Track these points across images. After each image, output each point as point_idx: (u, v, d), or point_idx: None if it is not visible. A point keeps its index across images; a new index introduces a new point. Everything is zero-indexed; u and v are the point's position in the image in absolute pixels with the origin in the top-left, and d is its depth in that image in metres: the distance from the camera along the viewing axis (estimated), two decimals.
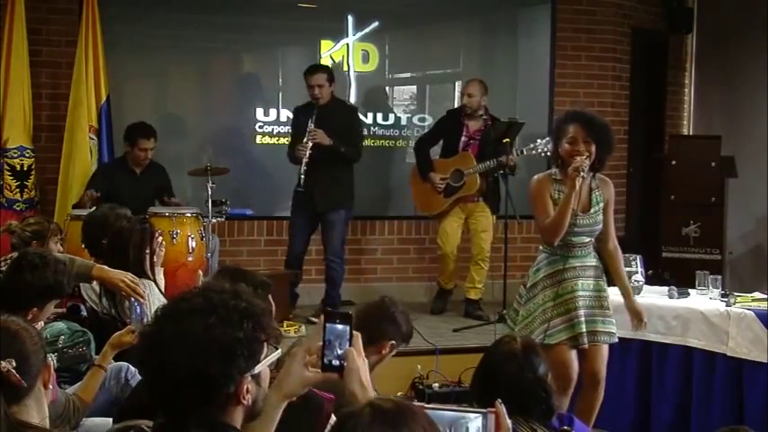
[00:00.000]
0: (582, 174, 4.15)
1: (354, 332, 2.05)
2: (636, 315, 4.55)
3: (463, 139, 6.90)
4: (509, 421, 2.16)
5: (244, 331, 1.83)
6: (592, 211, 4.34)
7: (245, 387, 1.86)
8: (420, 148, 7.12)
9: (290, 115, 6.99)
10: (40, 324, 3.63)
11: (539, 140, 6.26)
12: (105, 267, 4.02)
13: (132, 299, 3.78)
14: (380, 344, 3.46)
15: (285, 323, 6.09)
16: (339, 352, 2.03)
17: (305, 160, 6.36)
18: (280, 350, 1.93)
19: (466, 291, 6.94)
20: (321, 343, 2.04)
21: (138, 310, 3.62)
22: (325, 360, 2.03)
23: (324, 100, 6.52)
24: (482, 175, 6.78)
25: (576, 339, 4.28)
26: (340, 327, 2.04)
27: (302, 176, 6.37)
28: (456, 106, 7.32)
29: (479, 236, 6.88)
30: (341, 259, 6.78)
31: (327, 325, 2.04)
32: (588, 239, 4.37)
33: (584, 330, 4.27)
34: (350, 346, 2.04)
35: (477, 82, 6.93)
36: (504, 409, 2.17)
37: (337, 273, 6.77)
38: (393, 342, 3.48)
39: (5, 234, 4.85)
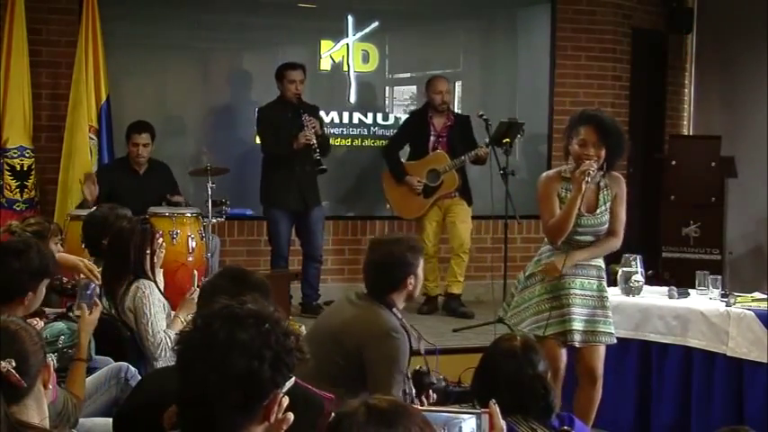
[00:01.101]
0: (587, 179, 4.13)
1: None
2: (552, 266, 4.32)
3: (432, 138, 6.91)
4: (503, 422, 2.17)
5: (291, 343, 1.91)
6: (598, 211, 4.31)
7: (275, 404, 1.89)
8: (390, 152, 7.11)
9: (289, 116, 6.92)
10: (40, 324, 3.64)
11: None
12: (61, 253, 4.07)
13: (89, 282, 3.78)
14: (403, 285, 3.52)
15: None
16: None
17: (314, 146, 6.43)
18: (294, 378, 1.96)
19: (447, 285, 6.90)
20: None
21: (90, 291, 3.62)
22: None
23: (299, 96, 6.61)
24: (458, 170, 6.81)
25: (564, 335, 4.27)
26: None
27: (318, 158, 6.44)
28: (420, 106, 7.25)
29: (459, 227, 6.85)
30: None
31: None
32: (593, 239, 4.35)
33: (575, 328, 4.26)
34: None
35: (443, 78, 6.99)
36: (498, 410, 2.17)
37: (319, 271, 6.84)
38: (412, 275, 3.52)
39: (6, 234, 4.85)
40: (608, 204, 4.35)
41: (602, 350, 4.41)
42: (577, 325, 4.27)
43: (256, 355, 1.84)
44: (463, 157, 6.73)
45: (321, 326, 3.64)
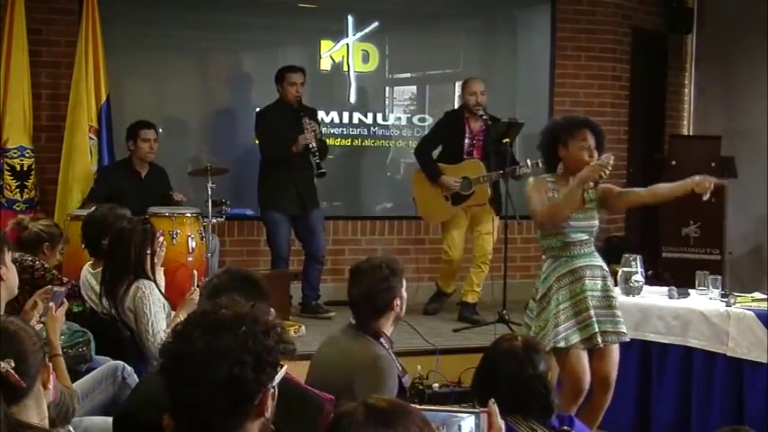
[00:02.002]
0: (609, 169, 4.16)
1: None
2: (698, 184, 4.40)
3: (467, 140, 6.77)
4: (501, 421, 2.16)
5: (270, 341, 1.91)
6: (587, 206, 4.35)
7: (268, 400, 1.90)
8: (423, 153, 6.91)
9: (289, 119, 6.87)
10: (40, 325, 3.63)
11: None
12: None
13: (56, 290, 3.72)
14: (389, 308, 3.46)
15: (285, 324, 6.08)
16: None
17: (313, 149, 6.42)
18: (285, 367, 1.97)
19: (463, 294, 6.83)
20: None
21: (61, 292, 3.60)
22: None
23: (300, 99, 6.61)
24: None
25: (590, 341, 4.27)
26: None
27: (318, 161, 6.44)
28: (456, 107, 7.21)
29: (483, 237, 6.76)
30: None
31: None
32: (587, 237, 4.36)
33: (597, 330, 4.26)
34: None
35: (480, 79, 6.85)
36: (497, 409, 2.17)
37: (320, 272, 6.84)
38: (397, 297, 3.47)
39: (17, 229, 4.87)
40: (593, 200, 4.38)
41: (615, 355, 4.42)
42: (596, 327, 4.27)
43: (237, 361, 1.85)
44: (500, 172, 6.54)
45: (315, 366, 3.59)
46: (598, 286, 4.34)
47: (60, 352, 3.44)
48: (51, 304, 3.51)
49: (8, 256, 3.42)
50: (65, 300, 3.60)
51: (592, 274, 4.33)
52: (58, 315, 3.50)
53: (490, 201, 6.79)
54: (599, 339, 4.27)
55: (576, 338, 4.25)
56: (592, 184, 4.33)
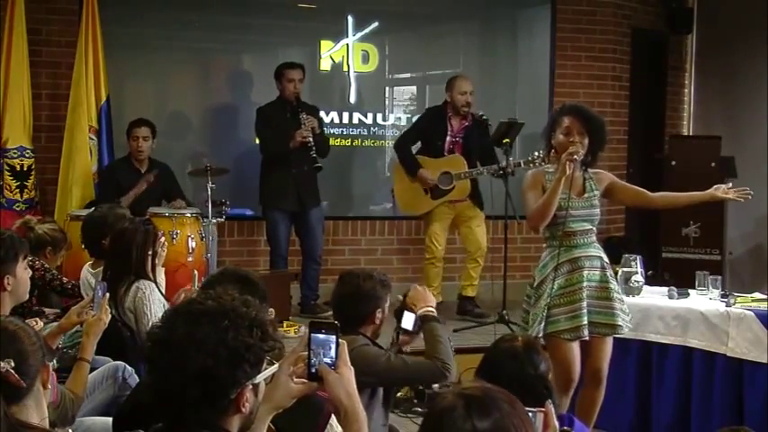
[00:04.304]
0: (576, 158, 4.15)
1: (340, 341, 2.06)
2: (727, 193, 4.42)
3: (448, 138, 6.79)
4: (557, 422, 2.17)
5: (253, 338, 1.90)
6: (586, 195, 4.34)
7: (246, 395, 1.90)
8: (403, 147, 6.92)
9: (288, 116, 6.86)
10: (40, 324, 3.63)
11: (536, 153, 6.20)
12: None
13: (98, 284, 3.71)
14: (370, 319, 3.46)
15: (285, 323, 6.09)
16: (326, 361, 2.04)
17: (310, 144, 6.44)
18: (276, 365, 1.96)
19: (462, 288, 6.83)
20: (306, 353, 2.05)
21: (99, 291, 3.59)
22: (312, 369, 2.05)
23: (298, 95, 6.62)
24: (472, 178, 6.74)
25: (575, 331, 4.24)
26: (324, 336, 2.05)
27: (314, 156, 6.46)
28: (440, 104, 7.09)
29: (475, 231, 6.77)
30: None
31: (312, 334, 2.05)
32: (589, 227, 4.34)
33: (585, 322, 4.24)
34: (336, 355, 2.04)
35: (467, 78, 6.88)
36: (553, 409, 2.18)
37: (318, 272, 6.83)
38: (379, 309, 3.47)
39: (22, 229, 4.87)
40: (596, 192, 4.38)
41: (607, 348, 4.41)
42: (584, 319, 4.25)
43: (211, 353, 1.85)
44: (481, 169, 6.59)
45: None
46: (596, 277, 4.32)
47: (90, 358, 3.43)
48: (92, 312, 3.48)
49: (22, 265, 3.41)
50: (106, 305, 3.52)
51: (591, 264, 4.31)
52: (97, 321, 3.45)
53: (471, 196, 6.80)
54: (585, 332, 4.24)
55: (561, 326, 4.23)
56: (590, 176, 4.34)
